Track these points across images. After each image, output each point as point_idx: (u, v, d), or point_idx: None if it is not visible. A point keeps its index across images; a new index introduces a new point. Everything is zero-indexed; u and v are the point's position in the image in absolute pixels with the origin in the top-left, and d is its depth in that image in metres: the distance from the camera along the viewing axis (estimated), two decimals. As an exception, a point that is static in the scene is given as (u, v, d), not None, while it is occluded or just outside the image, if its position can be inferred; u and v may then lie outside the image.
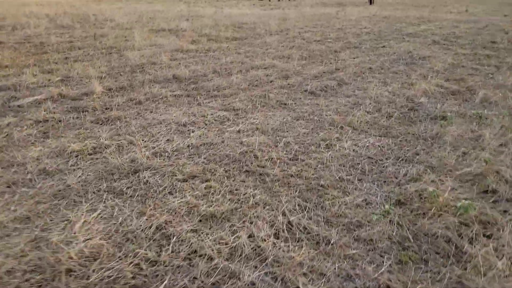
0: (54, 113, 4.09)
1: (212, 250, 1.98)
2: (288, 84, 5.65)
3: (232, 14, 19.92)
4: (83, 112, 4.19)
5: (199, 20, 15.66)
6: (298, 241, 2.10)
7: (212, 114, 4.23)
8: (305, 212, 2.38)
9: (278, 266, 1.90)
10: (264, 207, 2.40)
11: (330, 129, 3.85)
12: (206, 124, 3.93)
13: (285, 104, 4.70)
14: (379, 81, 5.84)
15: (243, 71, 6.44)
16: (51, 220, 2.23)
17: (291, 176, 2.85)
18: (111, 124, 3.87)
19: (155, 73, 5.97)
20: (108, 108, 4.29)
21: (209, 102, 4.70)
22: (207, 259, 1.93)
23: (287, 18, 17.20)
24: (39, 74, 5.63)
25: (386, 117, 4.22)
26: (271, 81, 5.83)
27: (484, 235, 2.16)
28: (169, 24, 13.37)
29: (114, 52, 7.64)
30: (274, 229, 2.19)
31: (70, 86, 5.13)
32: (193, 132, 3.70)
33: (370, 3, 29.15)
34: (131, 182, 2.70)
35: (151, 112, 4.29)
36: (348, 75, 6.16)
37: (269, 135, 3.68)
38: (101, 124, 3.88)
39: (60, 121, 3.88)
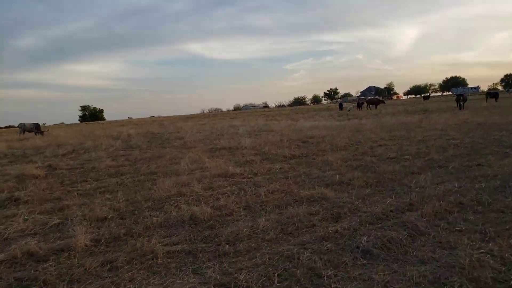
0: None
1: None
2: (336, 232, 4.05)
3: (304, 127, 19.50)
4: (27, 289, 3.11)
5: (265, 136, 15.28)
6: None
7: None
8: None
9: None
10: None
11: None
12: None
13: (320, 277, 3.07)
14: (476, 230, 3.91)
15: (281, 207, 5.06)
16: None
17: None
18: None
19: (172, 212, 4.91)
20: (64, 281, 3.15)
21: (209, 267, 3.30)
22: None
23: (362, 129, 15.99)
24: (43, 216, 4.98)
25: (496, 326, 2.31)
26: (312, 225, 4.30)
27: None
28: (232, 141, 13.07)
29: (150, 180, 7.00)
30: None
31: (57, 235, 4.28)
32: None
33: (460, 108, 26.78)
34: None
35: (118, 289, 3.02)
36: (426, 217, 4.34)
37: None
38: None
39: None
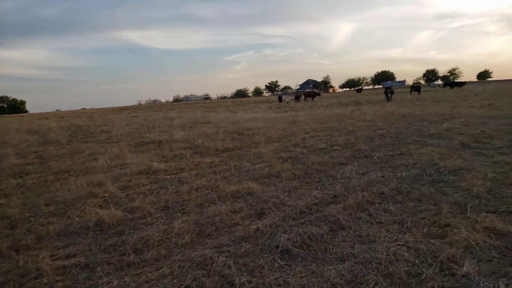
0: None
1: None
2: (257, 230, 3.81)
3: (242, 119, 19.30)
4: None
5: (201, 128, 14.80)
6: None
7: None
8: None
9: None
10: None
11: None
12: None
13: (232, 285, 2.78)
14: (394, 221, 3.89)
15: (203, 205, 4.71)
16: None
17: None
18: None
19: (75, 218, 4.32)
20: None
21: (107, 283, 2.85)
22: None
23: (297, 121, 16.16)
24: None
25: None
26: (234, 224, 4.02)
27: None
28: (163, 135, 12.41)
29: (61, 179, 6.25)
30: None
31: None
32: None
33: (388, 100, 28.47)
34: None
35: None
36: (349, 210, 4.27)
37: None
38: None
39: None
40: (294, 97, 42.07)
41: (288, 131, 12.35)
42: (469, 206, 4.14)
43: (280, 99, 44.61)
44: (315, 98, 40.36)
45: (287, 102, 39.45)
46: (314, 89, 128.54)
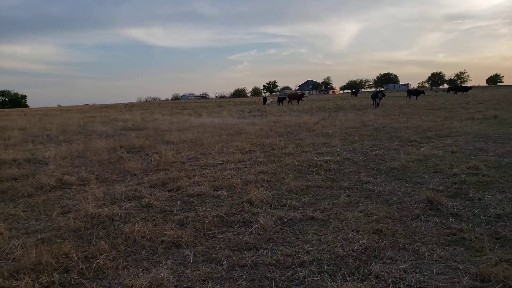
0: None
1: None
2: None
3: (180, 127, 15.77)
4: None
5: (112, 138, 11.31)
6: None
7: None
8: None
9: None
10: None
11: None
12: None
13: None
14: None
15: None
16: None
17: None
18: None
19: None
20: None
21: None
22: None
23: (243, 131, 12.58)
24: None
25: None
26: None
27: None
28: (27, 153, 8.93)
29: None
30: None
31: None
32: None
33: (376, 106, 24.73)
34: None
35: None
36: None
37: None
38: None
39: None
40: (277, 100, 38.49)
41: (206, 150, 8.83)
42: None
43: (264, 101, 41.22)
44: (300, 101, 36.70)
45: (268, 105, 36.03)
46: (314, 90, 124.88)
